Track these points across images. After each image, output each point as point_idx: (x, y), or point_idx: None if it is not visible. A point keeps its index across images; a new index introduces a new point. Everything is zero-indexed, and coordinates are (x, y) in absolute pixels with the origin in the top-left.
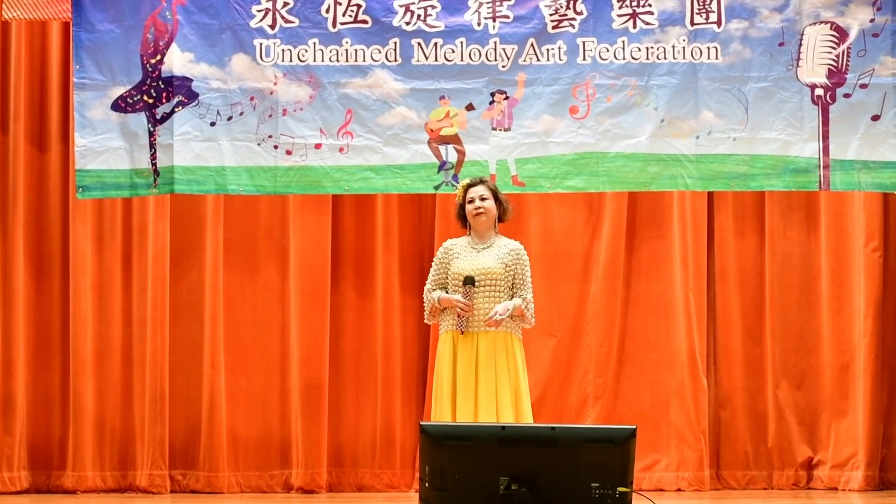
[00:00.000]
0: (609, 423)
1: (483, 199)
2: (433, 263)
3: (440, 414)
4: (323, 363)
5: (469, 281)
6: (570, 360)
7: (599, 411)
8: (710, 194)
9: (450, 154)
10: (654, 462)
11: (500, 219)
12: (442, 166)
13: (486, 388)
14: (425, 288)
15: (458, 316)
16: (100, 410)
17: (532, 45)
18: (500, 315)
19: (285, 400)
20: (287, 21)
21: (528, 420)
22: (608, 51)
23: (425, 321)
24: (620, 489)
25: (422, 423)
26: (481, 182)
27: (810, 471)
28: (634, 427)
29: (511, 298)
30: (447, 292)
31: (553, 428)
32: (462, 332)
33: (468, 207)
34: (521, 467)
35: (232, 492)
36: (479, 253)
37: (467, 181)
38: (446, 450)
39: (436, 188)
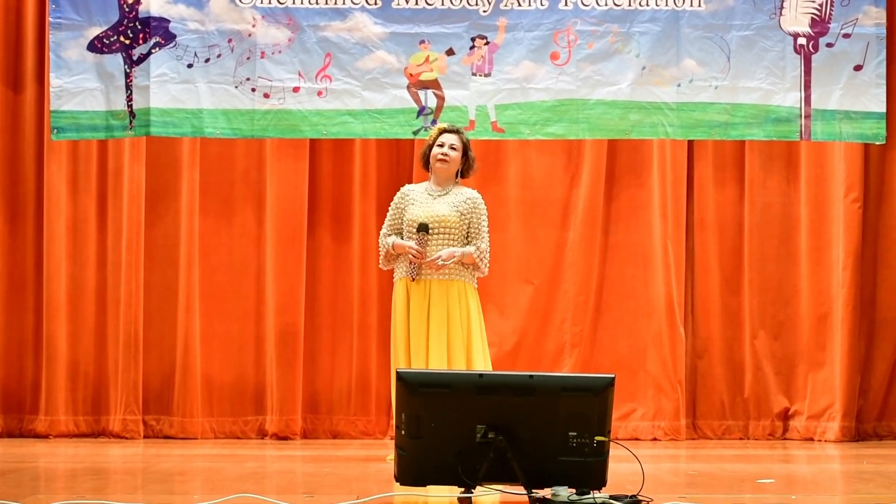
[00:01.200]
0: (586, 371)
1: (452, 149)
2: (390, 208)
3: (396, 361)
4: (298, 309)
5: (422, 228)
6: (548, 308)
7: (576, 360)
8: (690, 143)
9: (429, 99)
10: (630, 411)
11: (463, 174)
12: (421, 111)
13: (438, 334)
14: (381, 233)
15: (410, 263)
16: (73, 354)
17: None
18: (444, 260)
19: (260, 345)
20: None
21: (483, 368)
22: None
23: (380, 266)
24: (598, 438)
25: (398, 370)
26: (457, 132)
27: (786, 421)
28: (613, 376)
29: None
30: (402, 238)
31: (531, 376)
32: (413, 279)
33: (435, 150)
34: (499, 415)
35: (206, 437)
36: (436, 200)
37: (445, 125)
38: (423, 397)
39: (414, 133)
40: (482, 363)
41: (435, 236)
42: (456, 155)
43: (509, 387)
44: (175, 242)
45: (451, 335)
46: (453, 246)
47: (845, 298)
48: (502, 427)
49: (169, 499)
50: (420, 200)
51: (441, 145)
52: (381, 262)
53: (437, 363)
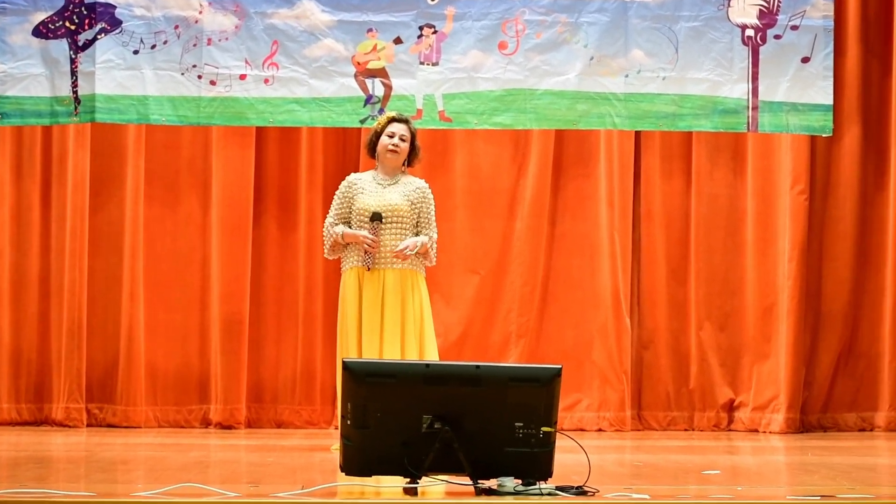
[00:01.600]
0: (531, 362)
1: (402, 140)
2: (335, 197)
3: (346, 351)
4: (244, 297)
5: (376, 217)
6: (494, 298)
7: (522, 350)
8: (638, 134)
9: (376, 88)
10: (575, 402)
11: (409, 162)
12: (368, 100)
13: (392, 324)
14: (326, 222)
15: (366, 252)
16: (16, 342)
17: None
18: (411, 251)
19: (205, 334)
20: None
21: (433, 357)
22: None
23: (325, 255)
24: (544, 429)
25: (344, 359)
26: (406, 121)
27: (731, 412)
28: (560, 367)
29: (416, 236)
30: (350, 227)
31: (478, 367)
32: (369, 269)
33: (384, 140)
34: (445, 406)
35: (149, 426)
36: (386, 189)
37: (393, 114)
38: (369, 387)
39: (361, 122)
40: (434, 353)
41: (387, 225)
42: (405, 145)
43: (456, 377)
44: (119, 230)
45: (405, 325)
46: (404, 235)
47: (791, 290)
48: (449, 417)
49: (112, 488)
50: (370, 190)
51: (391, 135)
52: (326, 251)
53: (392, 353)
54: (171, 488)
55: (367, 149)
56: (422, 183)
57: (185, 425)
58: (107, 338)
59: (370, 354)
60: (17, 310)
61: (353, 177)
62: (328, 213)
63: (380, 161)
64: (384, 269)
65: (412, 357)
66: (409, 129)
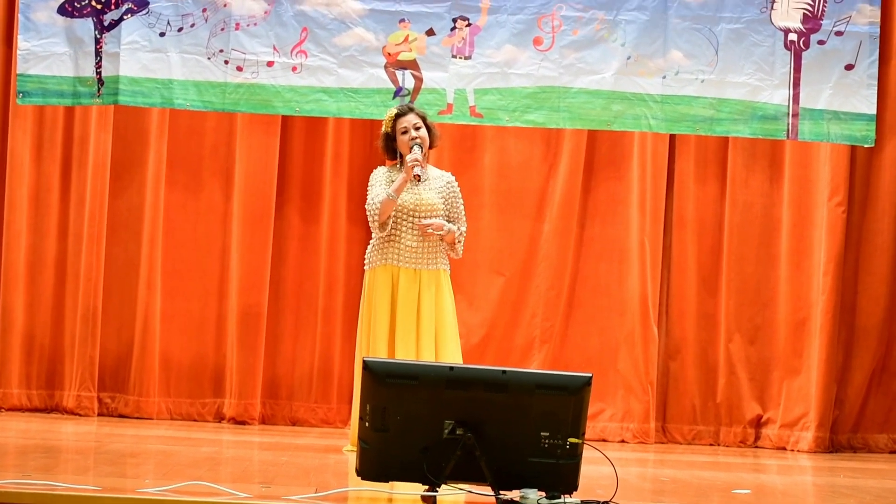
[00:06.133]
0: (555, 368)
1: (417, 129)
2: (373, 182)
3: (373, 350)
4: (263, 290)
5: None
6: (518, 301)
7: (545, 355)
8: (672, 137)
9: (406, 80)
10: (598, 411)
11: (431, 145)
12: (398, 92)
13: (427, 324)
14: (369, 202)
15: (414, 176)
16: (29, 326)
17: None
18: (435, 230)
19: (221, 326)
20: None
21: (457, 360)
22: None
23: (376, 231)
24: (571, 440)
25: (365, 358)
26: (411, 110)
27: (759, 429)
28: (590, 375)
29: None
30: (388, 222)
31: (504, 371)
32: (419, 180)
33: (402, 138)
34: (468, 411)
35: (161, 418)
36: (419, 186)
37: (395, 110)
38: (390, 388)
39: None
40: (458, 356)
41: (424, 222)
42: (424, 133)
43: (481, 381)
44: (139, 216)
45: (440, 327)
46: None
47: (825, 305)
48: (471, 423)
49: (119, 482)
50: (404, 188)
51: (405, 131)
52: (376, 225)
53: (428, 354)
54: (179, 485)
55: (385, 152)
56: (450, 176)
57: (198, 419)
58: (122, 326)
59: (405, 355)
60: (32, 293)
61: (384, 169)
62: (366, 199)
63: (405, 161)
64: (420, 270)
65: (450, 359)
66: (418, 114)
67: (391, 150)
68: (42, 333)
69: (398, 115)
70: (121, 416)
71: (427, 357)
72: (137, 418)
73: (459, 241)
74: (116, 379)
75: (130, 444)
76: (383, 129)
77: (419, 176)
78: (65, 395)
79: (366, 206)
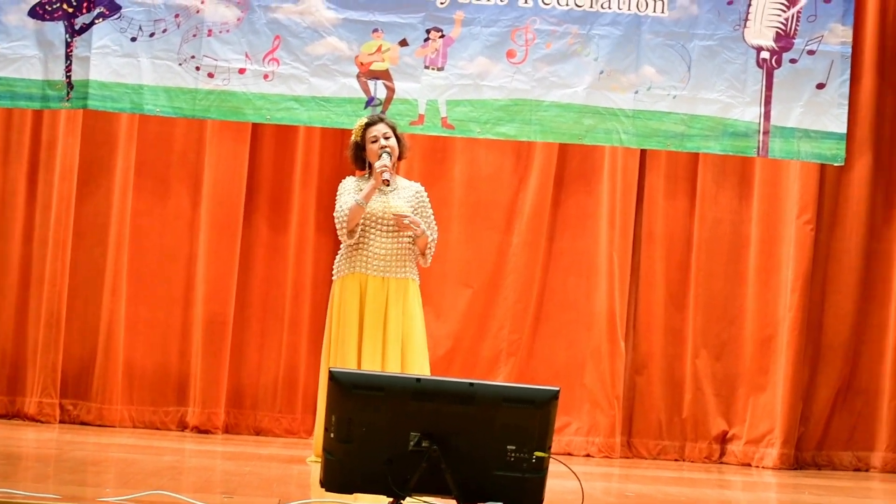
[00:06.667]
0: (521, 381)
1: (387, 138)
2: (340, 194)
3: (343, 360)
4: (229, 298)
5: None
6: (486, 313)
7: (512, 368)
8: (643, 152)
9: (378, 90)
10: (564, 425)
11: (400, 156)
12: (369, 102)
13: (395, 334)
14: (337, 210)
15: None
16: None
17: None
18: (412, 223)
19: (186, 334)
20: None
21: (425, 372)
22: None
23: (345, 240)
24: (537, 454)
25: (331, 369)
26: (381, 120)
27: (724, 445)
28: (557, 389)
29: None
30: (356, 230)
31: (471, 384)
32: (388, 184)
33: (372, 147)
34: (434, 423)
35: (124, 426)
36: (388, 195)
37: (365, 119)
38: (355, 399)
39: None
40: (426, 367)
41: (392, 232)
42: (393, 142)
43: (447, 394)
44: (105, 221)
45: (406, 336)
46: (408, 240)
47: (791, 322)
48: (437, 436)
49: (79, 490)
50: (373, 195)
51: (375, 140)
52: (344, 232)
53: (394, 364)
54: (140, 495)
55: (353, 161)
56: (418, 186)
57: (161, 427)
58: (85, 332)
59: (371, 366)
60: None
61: (353, 179)
62: (335, 207)
63: (374, 169)
64: (388, 278)
65: (417, 370)
66: (387, 124)
67: (360, 159)
68: (4, 338)
69: (368, 125)
70: (83, 423)
71: (393, 368)
72: (99, 426)
73: (430, 248)
74: (79, 386)
75: (92, 452)
76: (353, 137)
77: (388, 181)
78: (26, 402)
79: (334, 214)
